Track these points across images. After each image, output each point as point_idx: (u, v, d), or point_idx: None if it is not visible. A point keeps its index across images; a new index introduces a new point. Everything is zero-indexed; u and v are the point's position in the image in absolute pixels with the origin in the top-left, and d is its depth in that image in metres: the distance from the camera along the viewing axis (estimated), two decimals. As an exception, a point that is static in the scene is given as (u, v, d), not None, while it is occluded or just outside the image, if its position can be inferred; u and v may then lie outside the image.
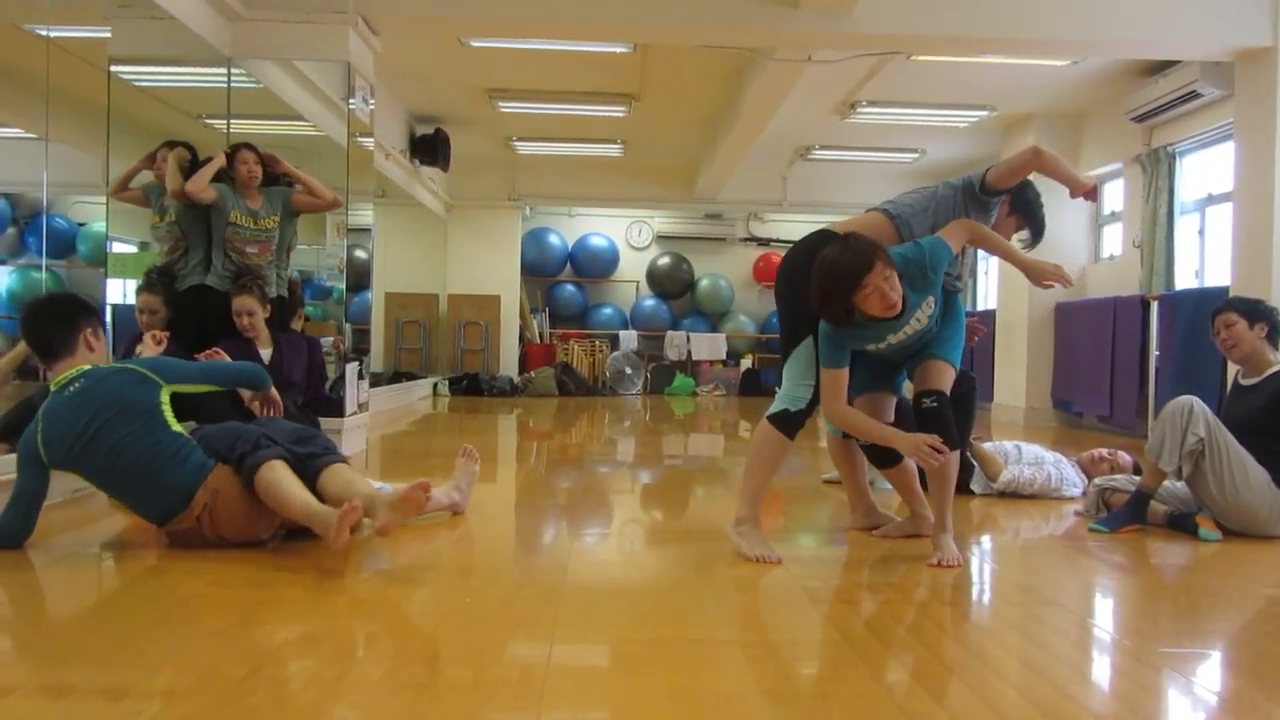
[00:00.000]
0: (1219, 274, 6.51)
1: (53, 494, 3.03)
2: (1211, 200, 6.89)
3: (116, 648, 1.99)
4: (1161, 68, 6.70)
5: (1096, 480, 3.79)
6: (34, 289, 5.62)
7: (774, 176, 11.14)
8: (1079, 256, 8.35)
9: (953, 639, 2.20)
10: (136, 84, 4.97)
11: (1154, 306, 6.76)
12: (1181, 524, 3.35)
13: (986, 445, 4.23)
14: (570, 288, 12.34)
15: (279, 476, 2.69)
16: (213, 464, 2.75)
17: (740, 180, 10.59)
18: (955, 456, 2.89)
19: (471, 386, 10.90)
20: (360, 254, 6.10)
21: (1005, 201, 3.26)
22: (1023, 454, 4.21)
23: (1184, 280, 7.03)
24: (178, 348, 3.69)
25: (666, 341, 12.09)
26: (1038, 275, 3.04)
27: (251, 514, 2.76)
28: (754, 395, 11.44)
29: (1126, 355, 7.06)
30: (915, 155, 9.94)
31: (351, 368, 5.41)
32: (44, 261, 5.36)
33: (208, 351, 3.53)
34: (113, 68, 4.45)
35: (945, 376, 2.94)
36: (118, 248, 5.00)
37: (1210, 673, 2.04)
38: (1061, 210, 8.29)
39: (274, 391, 3.29)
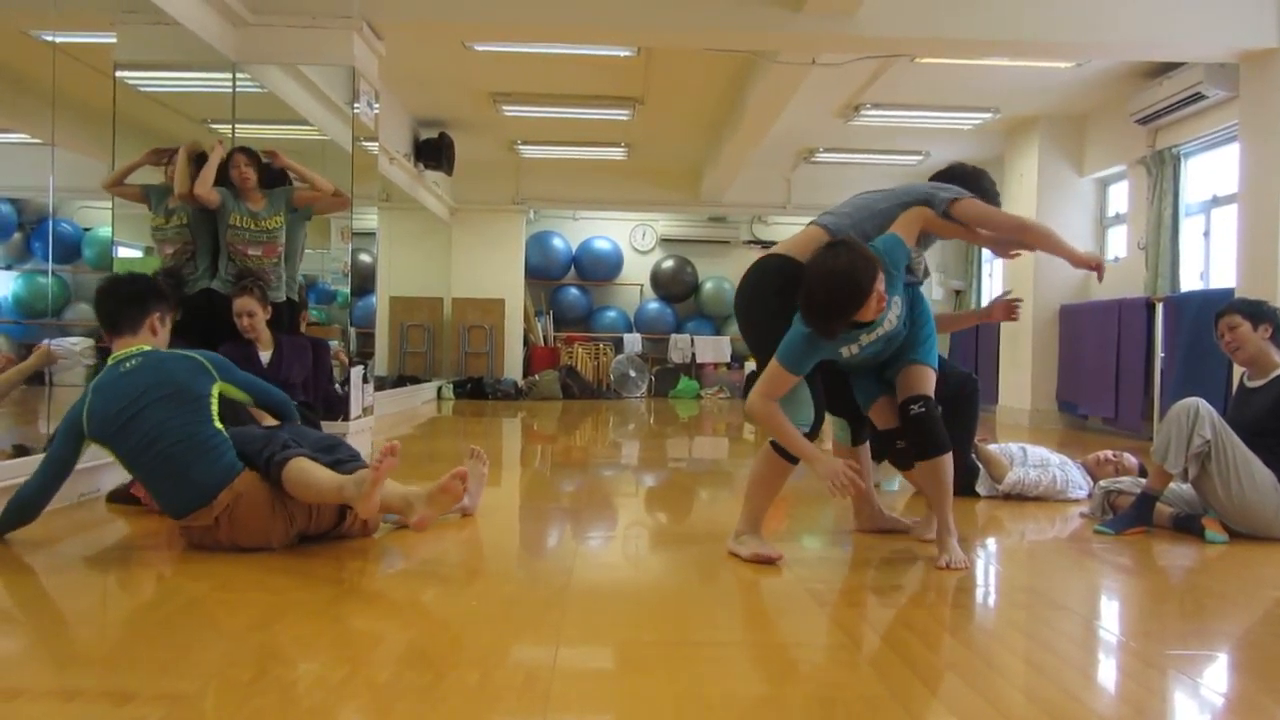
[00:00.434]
0: (1224, 276, 6.49)
1: (60, 498, 3.05)
2: (1216, 202, 6.88)
3: (123, 651, 2.00)
4: (1166, 69, 6.69)
5: (1102, 482, 3.78)
6: (40, 294, 5.64)
7: (778, 179, 11.14)
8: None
9: (958, 641, 2.20)
10: (142, 89, 4.99)
11: (1159, 308, 6.75)
12: (1187, 526, 3.35)
13: (992, 447, 4.23)
14: (574, 291, 12.35)
15: (305, 466, 2.71)
16: (241, 467, 2.76)
17: (744, 183, 10.60)
18: (950, 457, 2.88)
19: (476, 390, 10.91)
20: (365, 258, 6.12)
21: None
22: (1028, 456, 4.21)
23: (1189, 282, 7.03)
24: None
25: (670, 344, 12.10)
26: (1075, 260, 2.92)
27: (269, 522, 2.77)
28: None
29: (1131, 357, 7.05)
30: (919, 158, 9.94)
31: (356, 372, 5.42)
32: (49, 266, 5.37)
33: None
34: (118, 73, 4.46)
35: (927, 380, 2.91)
36: (123, 252, 5.01)
37: (1216, 675, 2.03)
38: (1065, 211, 8.32)
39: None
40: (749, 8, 5.31)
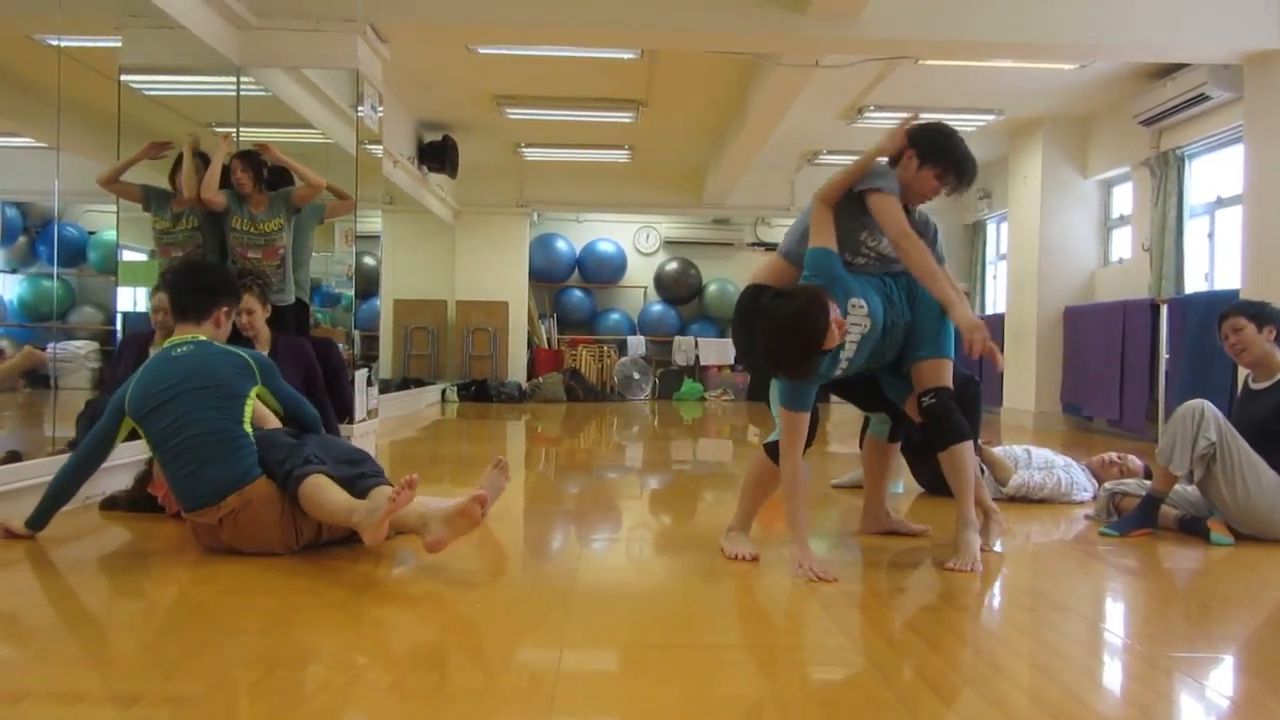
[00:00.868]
0: (1229, 277, 6.48)
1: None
2: (1221, 203, 6.87)
3: (128, 654, 2.00)
4: (1170, 71, 6.69)
5: (1107, 484, 3.78)
6: (45, 298, 5.65)
7: (781, 181, 11.13)
8: (1088, 260, 8.34)
9: (963, 643, 2.19)
10: (146, 93, 5.00)
11: (1164, 310, 6.73)
12: (1193, 528, 3.34)
13: (996, 450, 4.22)
14: (578, 293, 12.35)
15: (322, 485, 2.71)
16: (258, 473, 2.77)
17: (747, 185, 10.60)
18: (968, 447, 2.88)
19: (480, 392, 10.92)
20: (369, 261, 6.12)
21: (912, 155, 2.92)
22: (1032, 458, 4.20)
23: (1194, 284, 7.01)
24: None
25: (674, 347, 12.10)
26: (964, 327, 2.76)
27: (271, 533, 2.77)
28: (762, 400, 11.38)
29: (1136, 359, 7.04)
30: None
31: (361, 375, 5.43)
32: (55, 270, 5.38)
33: None
34: (123, 77, 4.47)
35: (939, 372, 2.91)
36: (128, 256, 5.02)
37: (1222, 677, 2.03)
38: (1069, 213, 8.31)
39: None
40: (753, 10, 5.31)
